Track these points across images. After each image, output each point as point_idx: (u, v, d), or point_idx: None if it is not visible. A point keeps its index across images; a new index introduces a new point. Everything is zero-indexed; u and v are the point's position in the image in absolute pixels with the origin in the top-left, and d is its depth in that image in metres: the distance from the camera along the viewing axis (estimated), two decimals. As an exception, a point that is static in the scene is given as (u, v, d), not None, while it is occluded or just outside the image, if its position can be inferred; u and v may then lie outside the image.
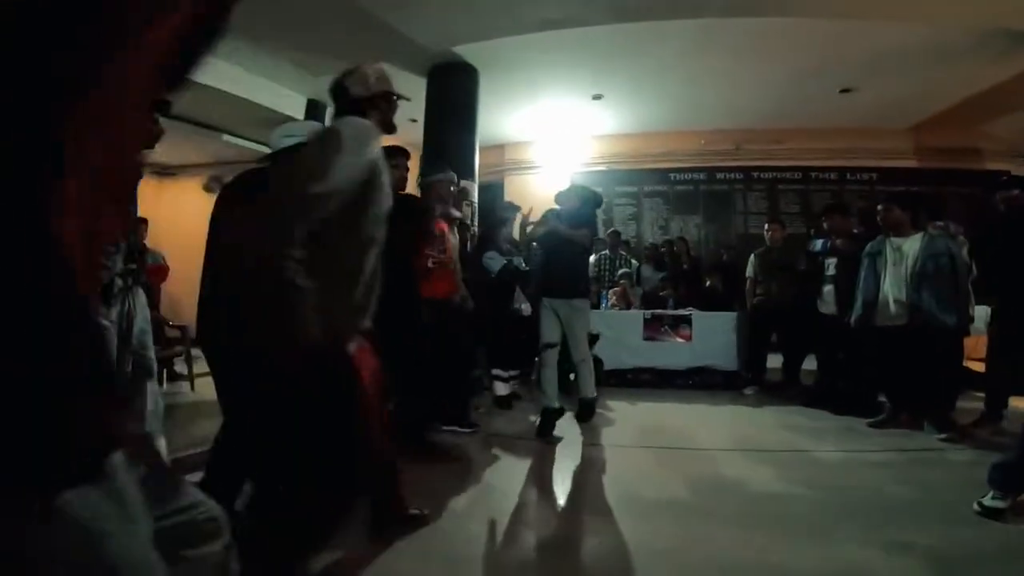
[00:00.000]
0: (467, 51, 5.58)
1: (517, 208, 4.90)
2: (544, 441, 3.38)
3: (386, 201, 1.60)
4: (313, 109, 6.88)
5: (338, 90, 1.67)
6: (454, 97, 5.90)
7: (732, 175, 7.99)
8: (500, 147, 8.54)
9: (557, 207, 3.93)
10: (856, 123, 7.34)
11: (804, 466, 2.98)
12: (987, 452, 3.07)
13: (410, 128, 6.62)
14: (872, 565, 1.81)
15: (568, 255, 3.69)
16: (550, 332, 3.68)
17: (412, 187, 3.16)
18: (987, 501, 2.16)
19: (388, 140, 1.66)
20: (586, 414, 3.75)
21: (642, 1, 4.66)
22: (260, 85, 6.06)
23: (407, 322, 2.63)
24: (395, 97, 1.74)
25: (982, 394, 3.66)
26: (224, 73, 5.51)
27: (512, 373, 4.47)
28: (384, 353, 1.78)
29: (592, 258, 5.57)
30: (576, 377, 3.78)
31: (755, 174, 7.92)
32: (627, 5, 4.70)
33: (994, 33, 4.91)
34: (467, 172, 5.55)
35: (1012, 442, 3.05)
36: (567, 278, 3.66)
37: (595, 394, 3.81)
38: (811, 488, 2.57)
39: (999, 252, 3.35)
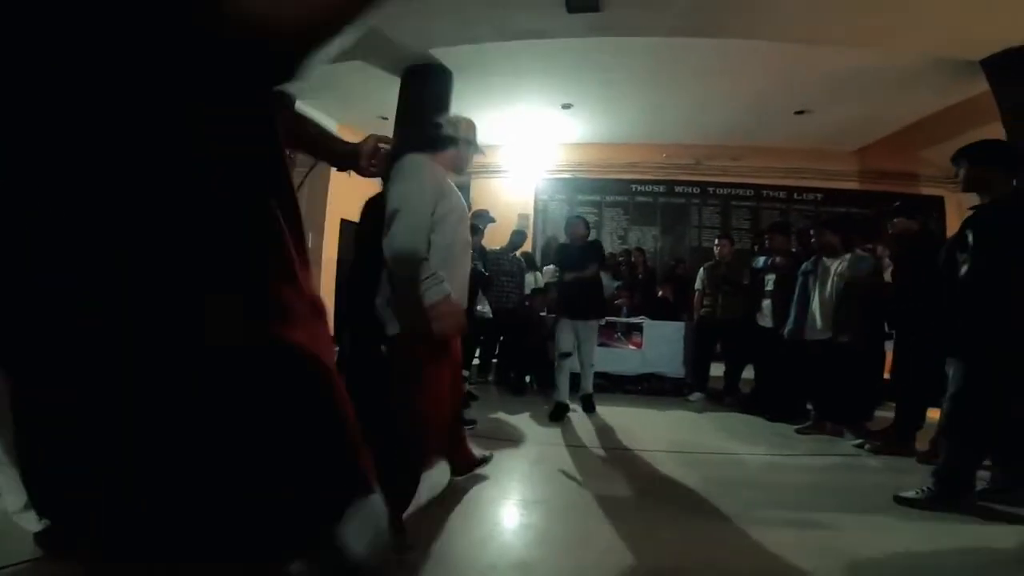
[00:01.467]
0: (443, 53, 5.64)
1: (491, 219, 5.07)
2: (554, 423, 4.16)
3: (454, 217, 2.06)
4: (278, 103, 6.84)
5: (432, 124, 2.24)
6: (426, 97, 5.96)
7: (690, 189, 8.25)
8: (469, 150, 8.62)
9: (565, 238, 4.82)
10: (807, 144, 7.68)
11: (737, 467, 3.23)
12: (897, 459, 3.35)
13: (380, 126, 6.67)
14: (789, 554, 2.01)
15: (583, 282, 4.43)
16: (566, 343, 4.43)
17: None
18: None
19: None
20: (589, 406, 4.56)
21: (615, 18, 4.81)
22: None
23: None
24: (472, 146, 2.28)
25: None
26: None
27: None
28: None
29: (550, 267, 5.78)
30: (582, 377, 4.60)
31: (711, 189, 8.20)
32: (600, 21, 4.86)
33: (936, 63, 5.19)
34: (433, 173, 5.63)
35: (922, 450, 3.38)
36: (583, 302, 4.41)
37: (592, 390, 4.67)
38: (742, 487, 2.79)
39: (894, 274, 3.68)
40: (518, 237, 5.55)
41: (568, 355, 4.43)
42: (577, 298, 4.40)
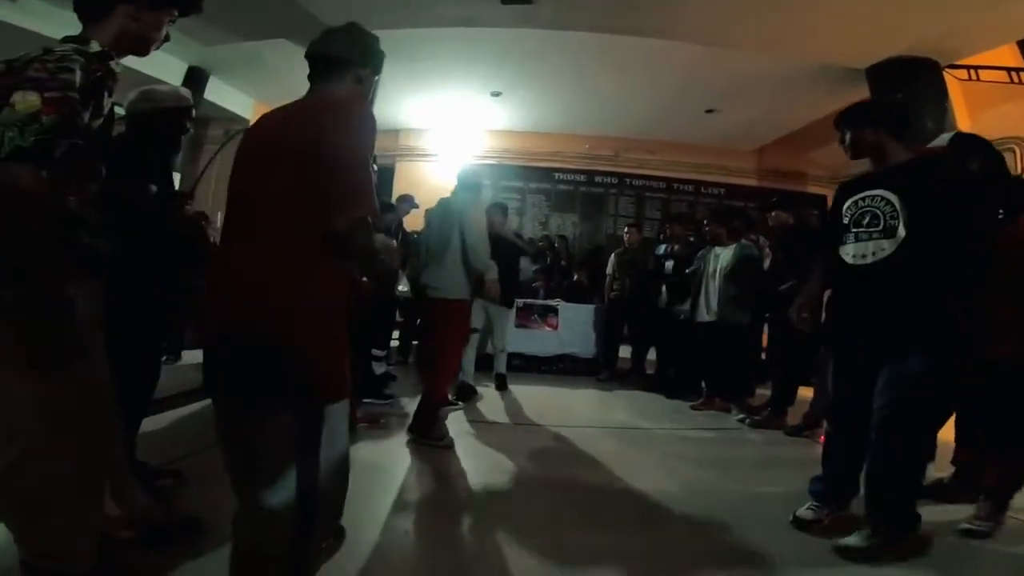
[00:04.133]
0: None
1: (415, 205, 5.10)
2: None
3: None
4: (195, 77, 6.53)
5: None
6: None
7: (608, 179, 8.61)
8: (394, 132, 8.56)
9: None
10: (714, 142, 8.20)
11: (642, 440, 3.53)
12: (773, 432, 3.78)
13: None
14: (684, 510, 2.31)
15: (502, 266, 4.26)
16: (476, 320, 4.40)
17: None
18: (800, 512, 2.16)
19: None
20: (502, 383, 4.79)
21: (547, 11, 4.94)
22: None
23: None
24: None
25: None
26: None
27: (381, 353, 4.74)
28: None
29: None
30: (495, 360, 4.87)
31: (628, 180, 8.60)
32: (531, 13, 4.97)
33: (825, 70, 5.66)
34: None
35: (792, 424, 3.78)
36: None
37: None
38: (646, 456, 3.12)
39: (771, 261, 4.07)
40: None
41: (475, 331, 4.45)
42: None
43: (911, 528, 1.94)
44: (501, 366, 4.86)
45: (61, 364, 1.25)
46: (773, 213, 4.10)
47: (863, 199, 2.07)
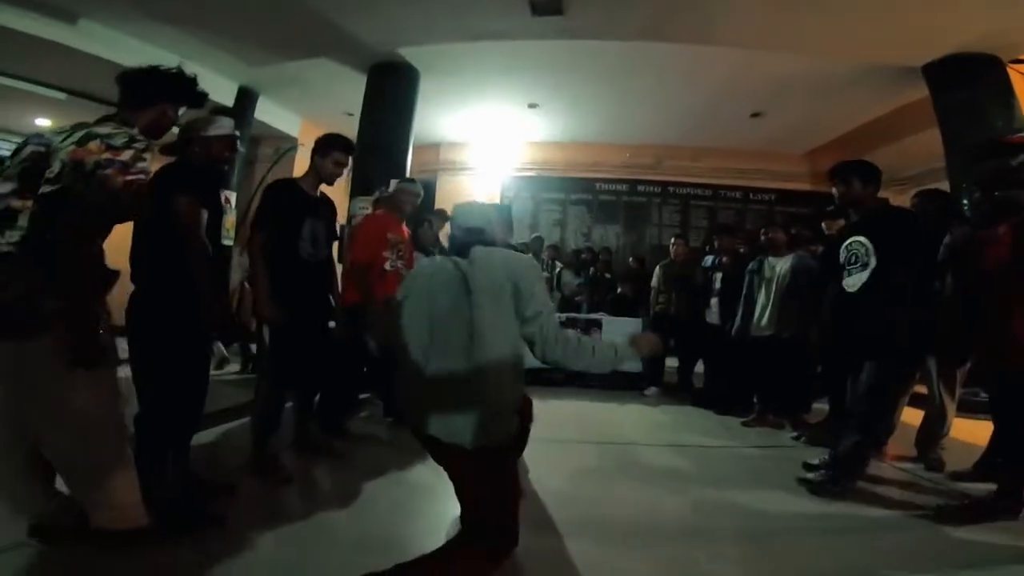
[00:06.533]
0: (410, 52, 5.64)
1: (447, 218, 5.09)
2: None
3: None
4: (245, 96, 6.78)
5: None
6: (393, 95, 5.95)
7: (651, 188, 8.48)
8: (435, 146, 8.67)
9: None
10: (761, 146, 7.96)
11: (690, 457, 3.41)
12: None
13: (345, 122, 6.65)
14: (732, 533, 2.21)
15: None
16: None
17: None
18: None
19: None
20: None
21: (579, 21, 4.91)
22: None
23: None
24: None
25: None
26: (148, 56, 5.33)
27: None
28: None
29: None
30: None
31: (671, 189, 8.45)
32: (564, 24, 4.94)
33: (879, 69, 5.45)
34: (399, 170, 5.68)
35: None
36: None
37: None
38: (693, 474, 3.04)
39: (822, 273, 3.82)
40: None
41: None
42: None
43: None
44: None
45: (94, 364, 1.52)
46: (840, 221, 3.88)
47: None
